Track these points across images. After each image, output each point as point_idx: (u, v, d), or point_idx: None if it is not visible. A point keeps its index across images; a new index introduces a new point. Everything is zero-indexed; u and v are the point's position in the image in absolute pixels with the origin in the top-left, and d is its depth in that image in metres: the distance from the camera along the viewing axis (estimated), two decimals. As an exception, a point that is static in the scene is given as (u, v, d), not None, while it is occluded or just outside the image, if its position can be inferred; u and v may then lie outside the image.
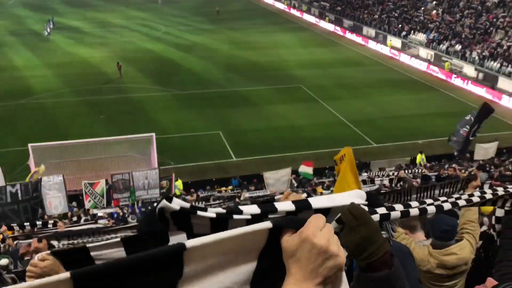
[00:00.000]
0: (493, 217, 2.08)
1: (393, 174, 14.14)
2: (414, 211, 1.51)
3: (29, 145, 17.24)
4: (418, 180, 12.36)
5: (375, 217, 1.34)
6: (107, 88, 29.36)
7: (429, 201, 1.64)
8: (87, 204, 15.08)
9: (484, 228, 3.80)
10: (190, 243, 0.95)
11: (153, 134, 18.81)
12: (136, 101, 27.23)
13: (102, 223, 10.14)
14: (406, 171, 14.61)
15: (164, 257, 0.94)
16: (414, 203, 1.56)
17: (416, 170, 15.29)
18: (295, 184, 17.32)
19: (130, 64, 34.28)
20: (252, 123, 24.39)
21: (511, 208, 1.95)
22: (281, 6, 64.51)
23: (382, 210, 1.39)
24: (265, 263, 1.05)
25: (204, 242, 0.96)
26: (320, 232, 0.99)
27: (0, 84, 29.45)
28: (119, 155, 19.17)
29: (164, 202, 1.06)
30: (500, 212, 1.99)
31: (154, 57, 37.12)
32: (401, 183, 12.87)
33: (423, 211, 1.57)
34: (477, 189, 3.15)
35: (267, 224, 1.02)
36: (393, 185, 13.11)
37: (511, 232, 1.93)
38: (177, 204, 1.06)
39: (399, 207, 1.48)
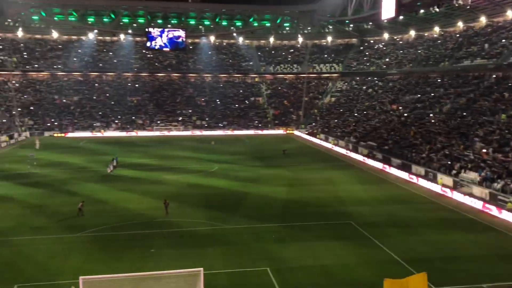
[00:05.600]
0: None
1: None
2: None
3: (80, 278, 17.50)
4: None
5: None
6: (157, 222, 30.20)
7: None
8: None
9: None
10: None
11: (201, 269, 18.67)
12: (184, 236, 27.62)
13: None
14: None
15: None
16: None
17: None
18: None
19: (180, 199, 35.73)
20: (301, 260, 23.76)
21: None
22: (328, 145, 67.01)
23: None
24: None
25: None
26: None
27: (62, 217, 31.21)
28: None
29: None
30: None
31: (205, 192, 38.50)
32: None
33: None
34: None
35: None
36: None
37: None
38: None
39: None
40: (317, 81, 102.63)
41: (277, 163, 52.88)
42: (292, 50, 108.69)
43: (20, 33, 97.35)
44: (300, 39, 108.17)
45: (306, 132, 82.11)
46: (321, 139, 73.40)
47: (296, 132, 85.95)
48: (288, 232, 28.22)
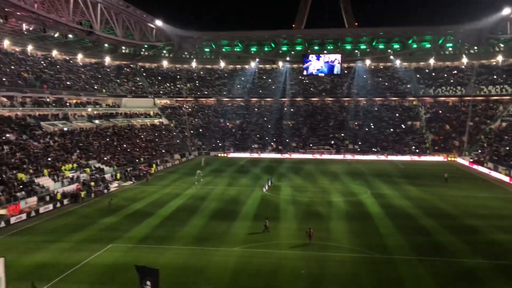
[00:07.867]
0: None
1: None
2: None
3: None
4: None
5: None
6: (313, 245, 30.85)
7: None
8: None
9: None
10: None
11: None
12: (330, 260, 27.67)
13: None
14: None
15: None
16: None
17: None
18: None
19: (330, 222, 35.96)
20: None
21: None
22: (498, 175, 60.28)
23: None
24: None
25: None
26: None
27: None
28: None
29: None
30: None
31: (357, 217, 37.97)
32: None
33: None
34: None
35: None
36: None
37: None
38: None
39: None
40: (485, 104, 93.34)
41: (438, 192, 49.39)
42: (455, 72, 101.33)
43: (193, 64, 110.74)
44: (465, 60, 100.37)
45: (471, 160, 75.05)
46: (489, 168, 66.30)
47: (459, 160, 79.18)
48: (452, 269, 26.15)
